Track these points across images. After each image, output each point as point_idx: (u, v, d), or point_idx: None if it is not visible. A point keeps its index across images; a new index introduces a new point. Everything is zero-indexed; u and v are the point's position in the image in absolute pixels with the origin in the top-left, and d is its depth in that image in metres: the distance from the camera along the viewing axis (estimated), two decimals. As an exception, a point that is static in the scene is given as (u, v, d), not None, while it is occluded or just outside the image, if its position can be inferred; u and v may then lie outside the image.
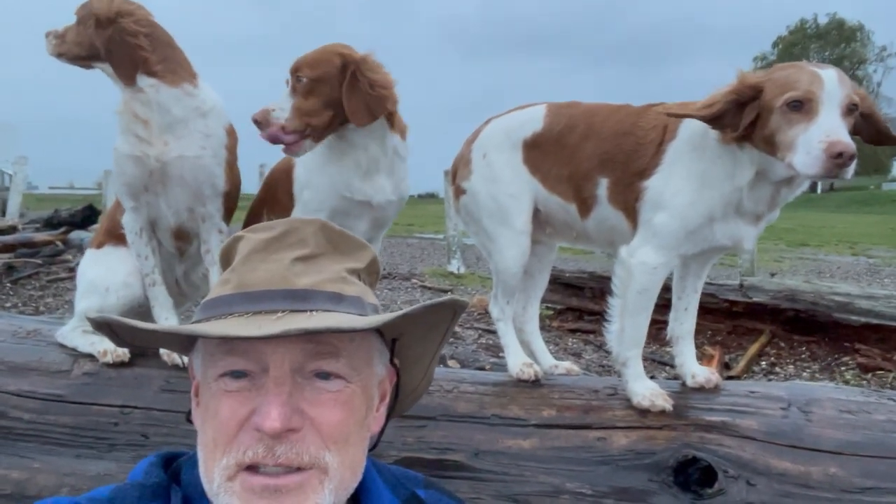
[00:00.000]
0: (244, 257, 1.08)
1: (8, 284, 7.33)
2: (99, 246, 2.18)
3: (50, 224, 10.12)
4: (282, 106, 1.92)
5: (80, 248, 8.46)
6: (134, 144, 1.96)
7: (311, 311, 1.01)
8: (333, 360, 1.02)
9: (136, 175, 1.97)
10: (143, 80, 1.95)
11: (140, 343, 1.25)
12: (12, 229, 9.74)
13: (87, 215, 10.09)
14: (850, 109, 1.53)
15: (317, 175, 2.06)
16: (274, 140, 1.92)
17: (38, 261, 8.27)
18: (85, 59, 2.00)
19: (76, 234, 9.26)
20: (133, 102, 1.96)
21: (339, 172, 2.03)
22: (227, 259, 1.14)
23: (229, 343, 1.01)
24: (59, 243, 8.96)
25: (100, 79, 2.07)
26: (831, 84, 1.51)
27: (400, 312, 1.04)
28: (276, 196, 2.22)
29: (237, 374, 1.01)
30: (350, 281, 1.10)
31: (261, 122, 1.91)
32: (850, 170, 1.48)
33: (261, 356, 1.00)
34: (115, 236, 2.13)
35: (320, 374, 1.02)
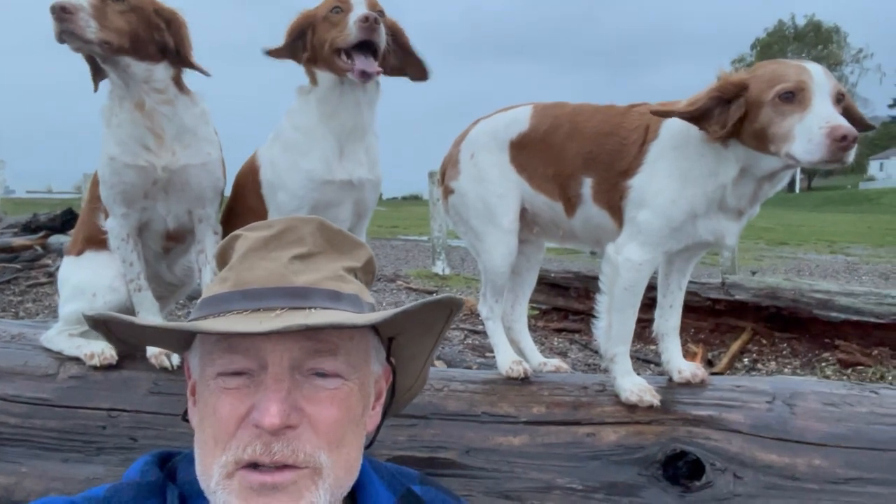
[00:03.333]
0: (242, 255, 1.09)
1: (-14, 290, 7.22)
2: (79, 253, 2.13)
3: (28, 228, 9.97)
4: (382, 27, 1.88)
5: (60, 253, 8.33)
6: (138, 154, 1.89)
7: (310, 308, 1.02)
8: (331, 358, 1.03)
9: (136, 184, 1.92)
10: (171, 89, 1.91)
11: (135, 342, 1.25)
12: (-10, 234, 9.59)
13: (66, 219, 9.93)
14: (839, 99, 1.56)
15: (289, 174, 2.01)
16: (374, 55, 1.89)
17: (17, 266, 8.15)
18: (122, 51, 1.81)
19: (55, 239, 9.13)
20: (154, 114, 1.88)
21: (315, 159, 1.99)
22: (223, 257, 1.14)
23: (228, 340, 1.01)
24: (38, 248, 8.84)
25: (80, 81, 1.98)
26: (819, 75, 1.55)
27: (399, 309, 1.05)
28: (246, 202, 2.16)
29: (236, 372, 1.01)
30: (347, 279, 1.11)
31: (374, 33, 1.85)
32: (853, 153, 1.51)
33: (260, 353, 1.00)
34: (96, 242, 2.08)
35: (318, 372, 1.03)
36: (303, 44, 1.99)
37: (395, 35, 2.01)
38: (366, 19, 1.84)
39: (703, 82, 1.72)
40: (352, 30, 1.86)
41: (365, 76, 1.89)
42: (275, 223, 1.13)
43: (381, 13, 1.94)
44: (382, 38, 1.88)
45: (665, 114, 1.70)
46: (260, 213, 2.10)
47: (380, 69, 1.92)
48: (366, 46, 1.88)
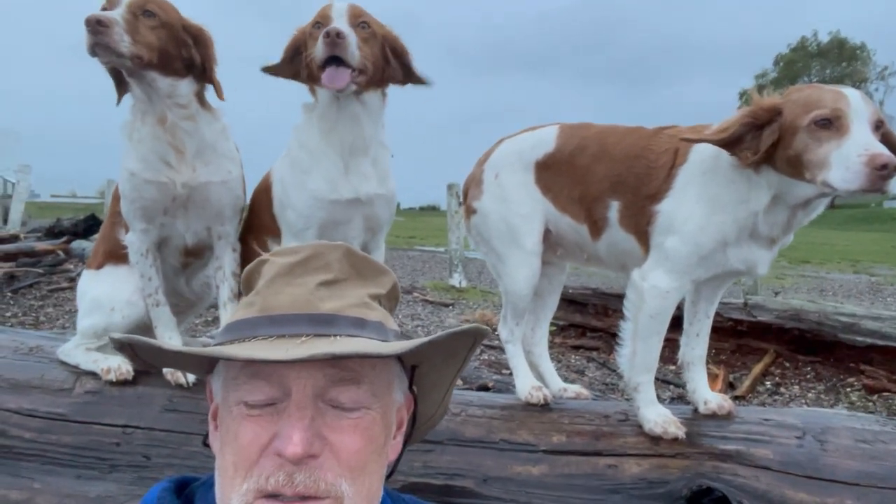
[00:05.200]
0: (268, 281, 1.08)
1: (8, 294, 7.29)
2: (98, 267, 2.13)
3: (51, 233, 10.09)
4: (351, 40, 1.80)
5: (82, 258, 8.43)
6: (159, 170, 1.89)
7: (335, 335, 1.01)
8: (355, 387, 1.01)
9: (157, 200, 1.92)
10: (194, 104, 1.91)
11: (158, 363, 1.24)
12: (14, 238, 9.72)
13: (89, 225, 10.06)
14: (878, 126, 1.51)
15: (295, 193, 1.97)
16: (339, 64, 1.81)
17: (40, 270, 8.22)
18: (150, 66, 1.81)
19: (78, 244, 9.23)
20: (176, 130, 1.88)
21: (319, 178, 1.94)
22: (249, 282, 1.13)
23: (253, 367, 1.00)
24: (60, 253, 8.93)
25: (105, 88, 1.98)
26: (857, 101, 1.50)
27: (425, 340, 1.03)
28: (261, 219, 2.13)
29: (260, 401, 0.99)
30: (372, 306, 1.09)
31: (337, 48, 1.78)
32: (893, 182, 1.46)
33: (283, 380, 0.99)
34: (116, 256, 2.09)
35: (341, 401, 1.00)
36: (301, 61, 1.93)
37: (395, 50, 1.95)
38: (327, 35, 1.78)
39: (719, 98, 1.68)
40: (318, 46, 1.81)
41: (334, 88, 1.82)
42: (301, 249, 1.12)
43: (365, 25, 1.87)
44: (352, 53, 1.81)
45: (696, 142, 1.66)
46: (274, 230, 2.07)
47: (349, 83, 1.83)
48: (336, 61, 1.81)
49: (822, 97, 1.54)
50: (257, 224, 2.15)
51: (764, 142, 1.58)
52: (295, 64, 1.95)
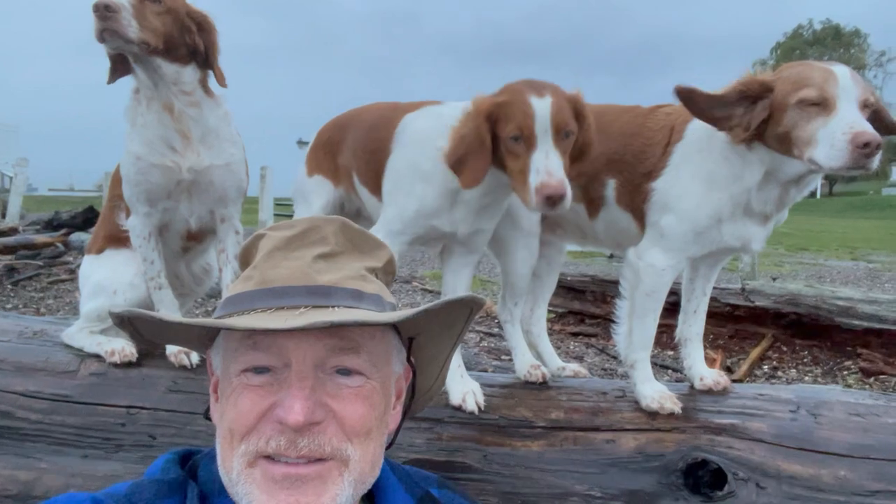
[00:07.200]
0: (266, 254, 1.10)
1: (9, 286, 7.32)
2: (99, 251, 2.16)
3: (50, 226, 10.12)
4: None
5: (81, 250, 8.44)
6: (164, 154, 1.91)
7: (333, 306, 1.02)
8: (354, 356, 1.03)
9: (161, 184, 1.93)
10: (198, 91, 1.93)
11: (159, 339, 1.25)
12: (13, 231, 9.74)
13: (87, 217, 10.08)
14: (866, 105, 1.53)
15: (403, 196, 1.84)
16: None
17: (39, 262, 8.25)
18: (156, 52, 1.82)
19: (77, 236, 9.25)
20: (182, 116, 1.90)
21: (445, 219, 1.84)
22: (247, 256, 1.15)
23: (253, 338, 1.01)
24: (59, 245, 8.95)
25: (102, 82, 2.01)
26: (845, 79, 1.52)
27: (422, 307, 1.05)
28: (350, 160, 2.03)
29: (260, 370, 1.02)
30: (369, 279, 1.11)
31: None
32: (876, 160, 1.47)
33: (283, 351, 1.01)
34: (116, 240, 2.11)
35: (341, 370, 1.03)
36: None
37: None
38: None
39: (714, 87, 1.67)
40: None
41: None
42: (298, 223, 1.14)
43: None
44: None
45: (688, 93, 1.61)
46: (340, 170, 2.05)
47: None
48: None
49: (811, 75, 1.55)
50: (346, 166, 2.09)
51: (755, 118, 1.60)
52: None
